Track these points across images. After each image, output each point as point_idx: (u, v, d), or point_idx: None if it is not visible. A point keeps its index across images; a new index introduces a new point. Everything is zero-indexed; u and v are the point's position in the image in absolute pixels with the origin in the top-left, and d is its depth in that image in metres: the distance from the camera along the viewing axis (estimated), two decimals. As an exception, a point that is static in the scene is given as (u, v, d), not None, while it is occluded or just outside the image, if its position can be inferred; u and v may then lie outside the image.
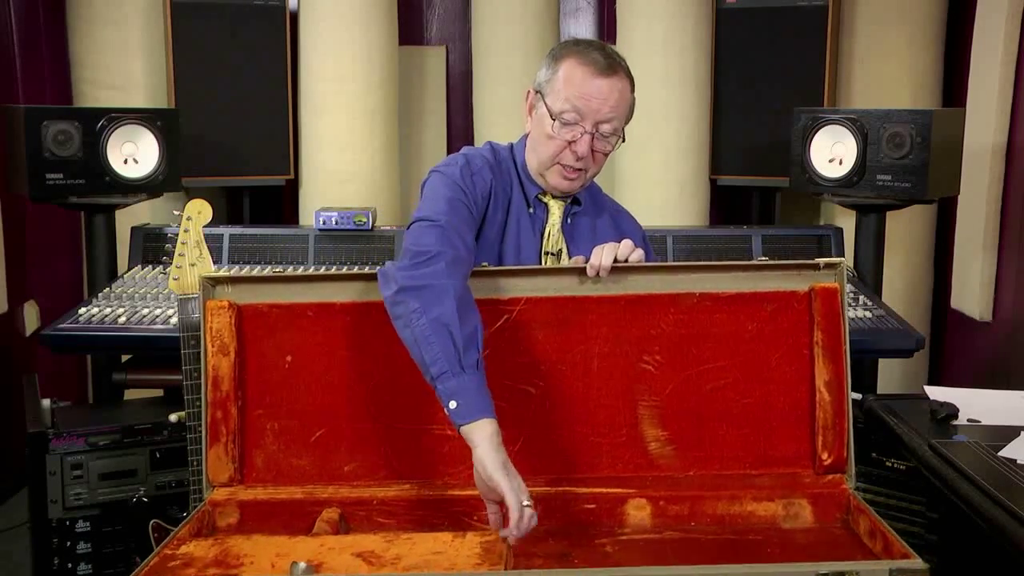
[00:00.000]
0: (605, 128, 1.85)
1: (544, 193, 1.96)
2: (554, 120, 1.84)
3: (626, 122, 1.91)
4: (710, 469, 1.74)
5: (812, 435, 1.73)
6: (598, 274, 1.72)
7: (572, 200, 1.98)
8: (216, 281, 1.74)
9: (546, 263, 1.94)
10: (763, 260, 1.77)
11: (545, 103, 1.86)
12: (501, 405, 1.70)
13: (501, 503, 1.52)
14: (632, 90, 1.89)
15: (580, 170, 1.88)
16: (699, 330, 1.74)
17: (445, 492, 1.72)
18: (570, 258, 1.94)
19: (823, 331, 1.72)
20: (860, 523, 1.63)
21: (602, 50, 1.85)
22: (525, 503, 1.49)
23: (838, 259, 1.72)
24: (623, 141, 1.90)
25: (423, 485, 1.74)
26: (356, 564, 1.44)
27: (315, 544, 1.52)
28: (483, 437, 1.52)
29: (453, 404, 1.54)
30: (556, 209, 1.96)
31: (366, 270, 1.92)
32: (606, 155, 1.90)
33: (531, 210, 1.96)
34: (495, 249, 1.93)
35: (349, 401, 1.75)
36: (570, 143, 1.85)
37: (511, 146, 2.01)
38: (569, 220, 1.98)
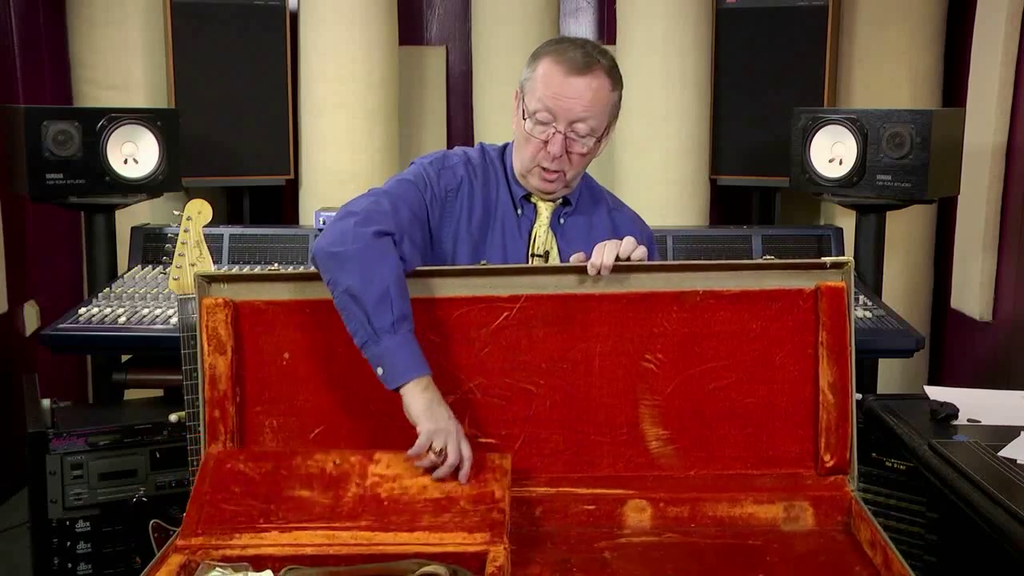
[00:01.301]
0: (580, 128, 1.80)
1: (531, 194, 1.93)
2: (526, 120, 1.82)
3: (610, 121, 1.86)
4: (711, 469, 1.73)
5: (815, 436, 1.72)
6: (599, 273, 1.70)
7: (563, 201, 1.94)
8: (212, 279, 1.73)
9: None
10: (769, 259, 1.75)
11: (523, 102, 1.84)
12: (501, 403, 1.71)
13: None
14: (614, 88, 1.83)
15: (558, 172, 1.84)
16: (702, 329, 1.72)
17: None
18: (560, 259, 1.91)
19: (828, 331, 1.70)
20: (862, 530, 1.62)
21: (583, 48, 1.80)
22: (436, 447, 1.54)
23: (845, 258, 1.70)
24: (598, 141, 1.84)
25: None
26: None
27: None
28: (412, 394, 1.57)
29: (380, 371, 1.58)
30: (545, 210, 1.93)
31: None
32: (583, 156, 1.84)
33: (519, 211, 1.92)
34: (479, 249, 1.89)
35: (347, 397, 1.75)
36: (545, 143, 1.81)
37: (504, 147, 1.98)
38: (562, 220, 1.94)
